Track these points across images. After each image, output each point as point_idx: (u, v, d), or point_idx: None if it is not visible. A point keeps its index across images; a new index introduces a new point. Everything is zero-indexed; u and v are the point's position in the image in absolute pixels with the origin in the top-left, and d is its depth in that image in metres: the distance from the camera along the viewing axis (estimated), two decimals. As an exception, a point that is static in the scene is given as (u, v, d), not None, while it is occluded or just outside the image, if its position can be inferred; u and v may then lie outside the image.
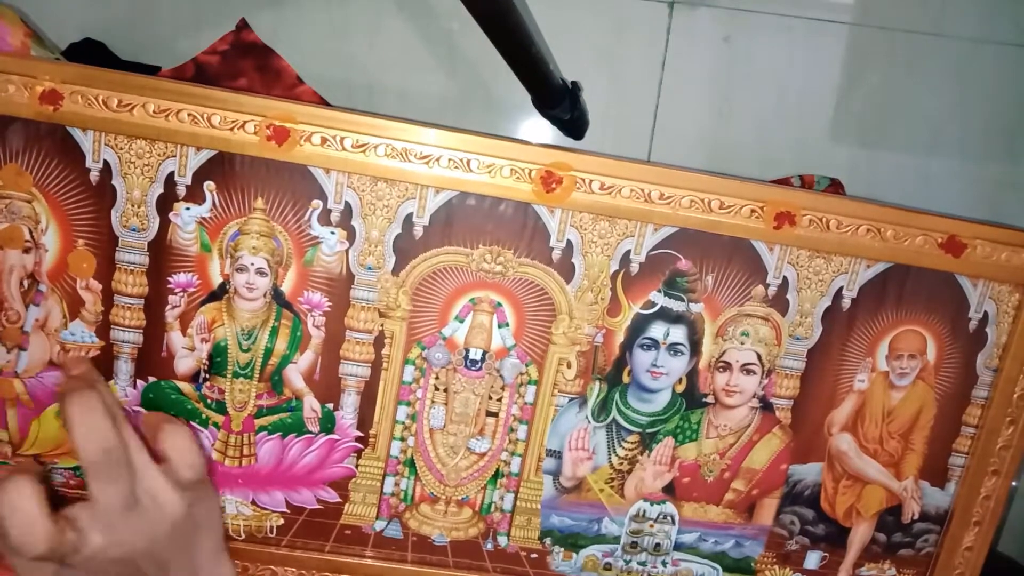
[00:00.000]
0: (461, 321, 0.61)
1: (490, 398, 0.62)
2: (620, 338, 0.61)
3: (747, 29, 0.91)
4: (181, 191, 0.57)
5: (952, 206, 0.91)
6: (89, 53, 0.77)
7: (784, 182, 0.87)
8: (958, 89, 0.92)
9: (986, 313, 0.62)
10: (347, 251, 0.59)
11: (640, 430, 0.63)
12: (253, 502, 0.63)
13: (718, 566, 0.67)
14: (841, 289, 0.61)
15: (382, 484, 0.64)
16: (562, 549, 0.66)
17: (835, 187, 0.86)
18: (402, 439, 0.63)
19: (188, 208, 0.58)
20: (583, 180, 0.57)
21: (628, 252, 0.60)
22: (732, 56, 0.92)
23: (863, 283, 0.61)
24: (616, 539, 0.66)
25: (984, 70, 0.92)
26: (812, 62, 0.92)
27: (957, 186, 0.93)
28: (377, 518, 0.64)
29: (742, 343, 0.61)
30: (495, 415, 0.63)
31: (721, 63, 0.92)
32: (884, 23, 0.91)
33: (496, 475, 0.64)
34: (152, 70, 0.72)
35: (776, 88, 0.92)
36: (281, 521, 0.64)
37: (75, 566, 0.46)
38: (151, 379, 0.61)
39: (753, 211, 0.58)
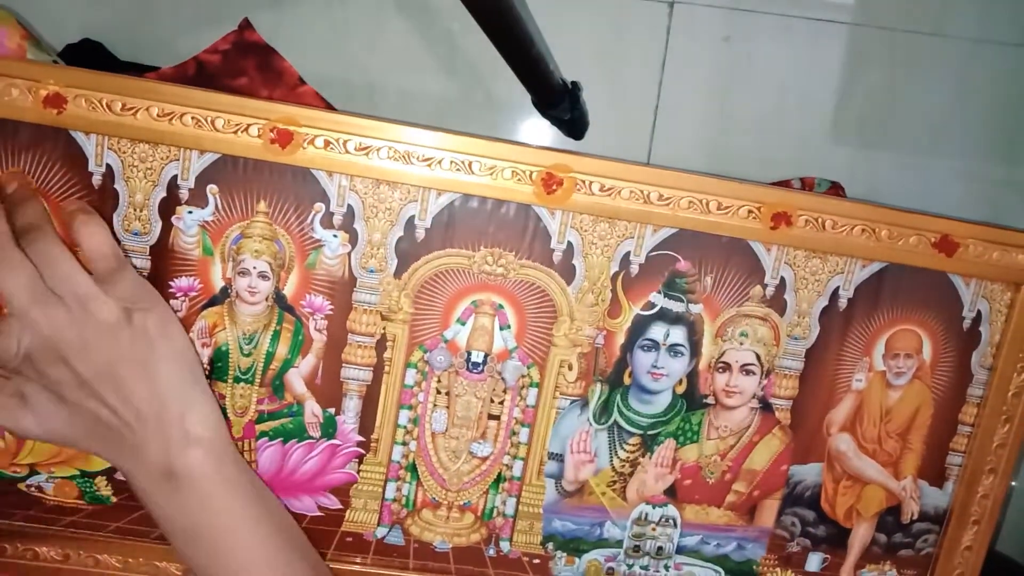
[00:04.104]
0: (463, 324, 0.66)
1: (492, 401, 0.67)
2: (621, 339, 0.66)
3: (747, 29, 0.96)
4: (184, 195, 0.62)
5: (952, 206, 0.97)
6: (87, 53, 0.82)
7: (784, 184, 0.92)
8: (958, 89, 0.98)
9: (979, 312, 0.68)
10: (349, 254, 0.64)
11: (641, 432, 0.68)
12: (253, 508, 0.68)
13: (720, 569, 0.72)
14: (838, 289, 0.67)
15: (384, 489, 0.68)
16: (564, 554, 0.71)
17: (835, 190, 0.91)
18: (404, 443, 0.67)
19: (191, 212, 0.62)
20: (583, 182, 0.62)
21: (628, 253, 0.65)
22: (732, 56, 0.97)
23: (859, 283, 0.67)
24: (619, 543, 0.71)
25: (984, 70, 0.98)
26: (812, 62, 0.98)
27: (957, 186, 0.99)
28: (379, 524, 0.69)
29: (741, 343, 0.67)
30: (497, 418, 0.68)
31: (721, 63, 0.97)
32: (884, 23, 0.97)
33: (498, 479, 0.69)
34: (152, 70, 0.77)
35: (776, 88, 0.98)
36: (281, 528, 0.68)
37: (20, 373, 0.51)
38: (151, 384, 0.65)
39: (750, 212, 0.63)
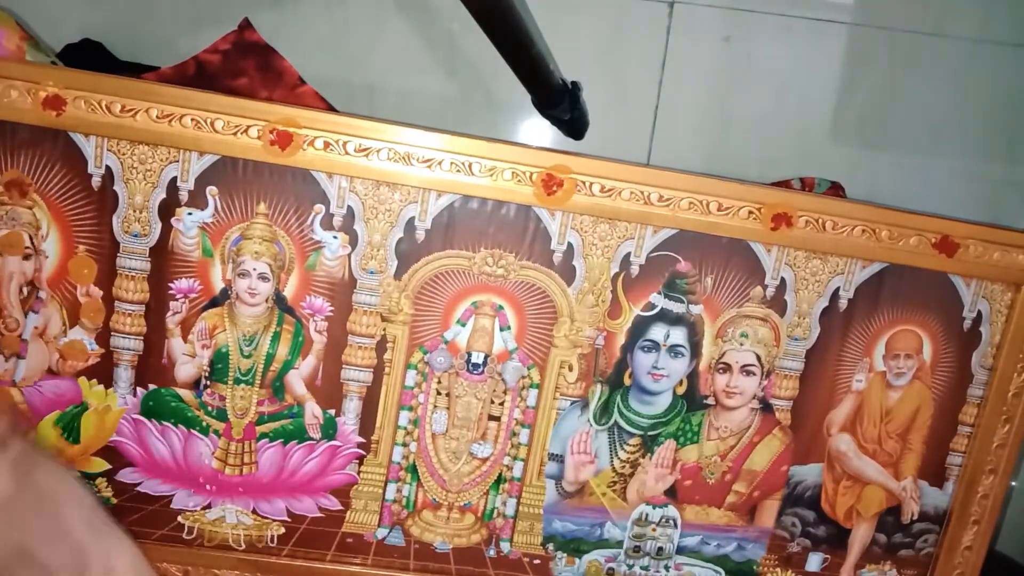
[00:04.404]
0: (463, 325, 0.66)
1: (492, 402, 0.67)
2: (621, 340, 0.66)
3: (747, 29, 0.96)
4: (183, 196, 0.62)
5: (952, 206, 0.97)
6: (87, 54, 0.82)
7: (784, 184, 0.92)
8: (958, 89, 0.98)
9: (980, 312, 0.68)
10: (349, 255, 0.64)
11: (642, 433, 0.68)
12: (254, 511, 0.68)
13: (721, 569, 0.72)
14: (838, 289, 0.67)
15: (384, 491, 0.68)
16: (565, 554, 0.71)
17: (835, 189, 0.91)
18: (404, 444, 0.68)
19: (190, 213, 0.62)
20: (583, 183, 0.62)
21: (628, 254, 0.65)
22: (732, 56, 0.97)
23: (859, 283, 0.67)
24: (619, 543, 0.71)
25: (984, 70, 0.98)
26: (812, 62, 0.98)
27: (957, 186, 0.99)
28: (379, 525, 0.69)
29: (741, 344, 0.67)
30: (497, 419, 0.68)
31: (721, 63, 0.97)
32: (884, 23, 0.97)
33: (499, 480, 0.69)
34: (152, 70, 0.77)
35: (776, 88, 0.98)
36: (282, 530, 0.68)
37: None
38: (151, 387, 0.65)
39: (751, 213, 0.64)
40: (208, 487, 0.67)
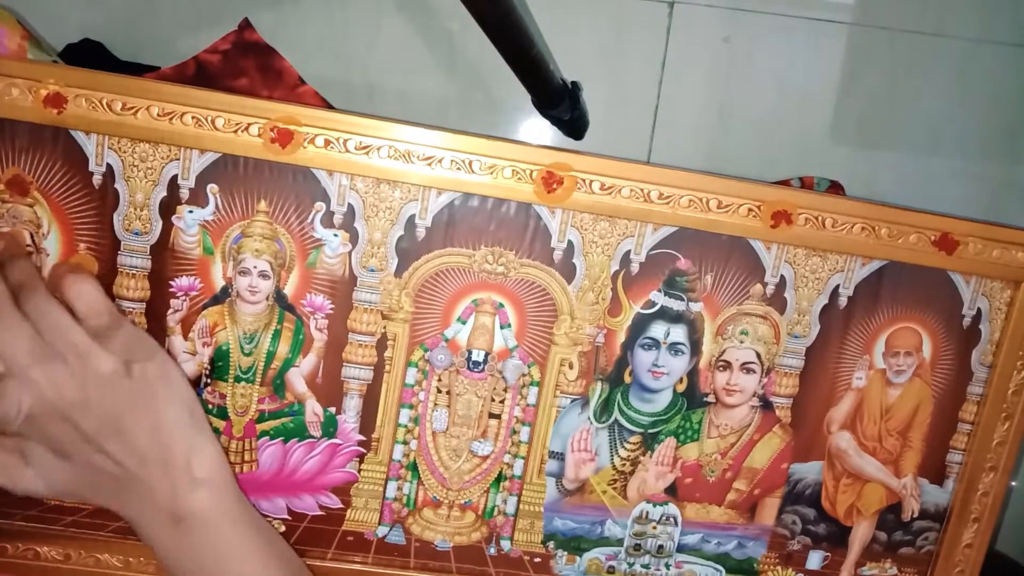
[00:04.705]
0: (463, 323, 0.66)
1: (492, 400, 0.68)
2: (621, 338, 0.67)
3: (747, 29, 0.97)
4: (184, 194, 0.62)
5: (952, 206, 0.97)
6: (88, 53, 0.82)
7: (784, 184, 0.93)
8: (958, 89, 0.99)
9: (979, 310, 0.69)
10: (350, 253, 0.64)
11: (642, 430, 0.69)
12: (253, 508, 0.68)
13: (721, 568, 0.72)
14: (838, 287, 0.67)
15: (385, 488, 0.69)
16: (565, 553, 0.71)
17: (835, 189, 0.92)
18: (404, 442, 0.68)
19: (191, 211, 0.63)
20: (583, 180, 0.63)
21: (628, 252, 0.65)
22: (732, 56, 0.98)
23: (859, 281, 0.67)
24: (619, 542, 0.71)
25: (984, 70, 0.98)
26: (812, 62, 0.98)
27: (957, 186, 1.00)
28: (380, 523, 0.69)
29: (741, 342, 0.67)
30: (497, 417, 0.68)
31: (721, 63, 0.98)
32: (884, 23, 0.98)
33: (499, 478, 0.69)
34: (152, 70, 0.77)
35: (776, 88, 0.99)
36: (283, 528, 0.68)
37: (20, 434, 0.52)
38: (152, 383, 0.65)
39: (750, 210, 0.64)
40: (208, 485, 0.67)
